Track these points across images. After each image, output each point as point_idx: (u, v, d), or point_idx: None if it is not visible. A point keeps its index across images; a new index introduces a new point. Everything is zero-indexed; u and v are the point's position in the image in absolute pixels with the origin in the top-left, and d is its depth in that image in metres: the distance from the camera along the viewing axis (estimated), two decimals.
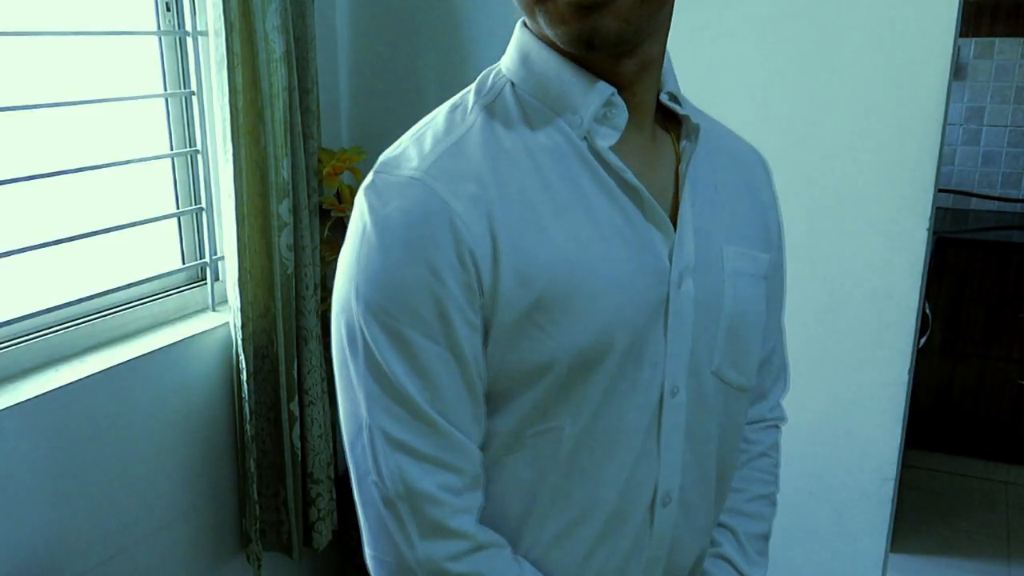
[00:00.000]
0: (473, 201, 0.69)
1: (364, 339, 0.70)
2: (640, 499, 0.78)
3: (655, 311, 0.75)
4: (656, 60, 0.75)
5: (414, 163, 0.71)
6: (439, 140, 0.73)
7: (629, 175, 0.73)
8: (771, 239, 0.88)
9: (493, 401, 0.74)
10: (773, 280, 0.90)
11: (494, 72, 0.78)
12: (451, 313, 0.69)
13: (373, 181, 0.72)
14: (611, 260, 0.72)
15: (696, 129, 0.79)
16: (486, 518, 0.75)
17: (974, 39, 3.06)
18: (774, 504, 0.97)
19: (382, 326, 0.69)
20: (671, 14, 0.75)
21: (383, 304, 0.69)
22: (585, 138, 0.73)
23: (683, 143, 0.80)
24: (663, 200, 0.77)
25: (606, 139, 0.73)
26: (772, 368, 0.98)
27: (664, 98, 0.78)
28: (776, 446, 1.00)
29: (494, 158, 0.71)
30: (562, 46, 0.70)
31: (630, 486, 0.76)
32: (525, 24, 0.76)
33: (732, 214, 0.82)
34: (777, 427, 1.01)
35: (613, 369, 0.73)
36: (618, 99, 0.73)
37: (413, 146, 0.73)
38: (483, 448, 0.74)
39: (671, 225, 0.76)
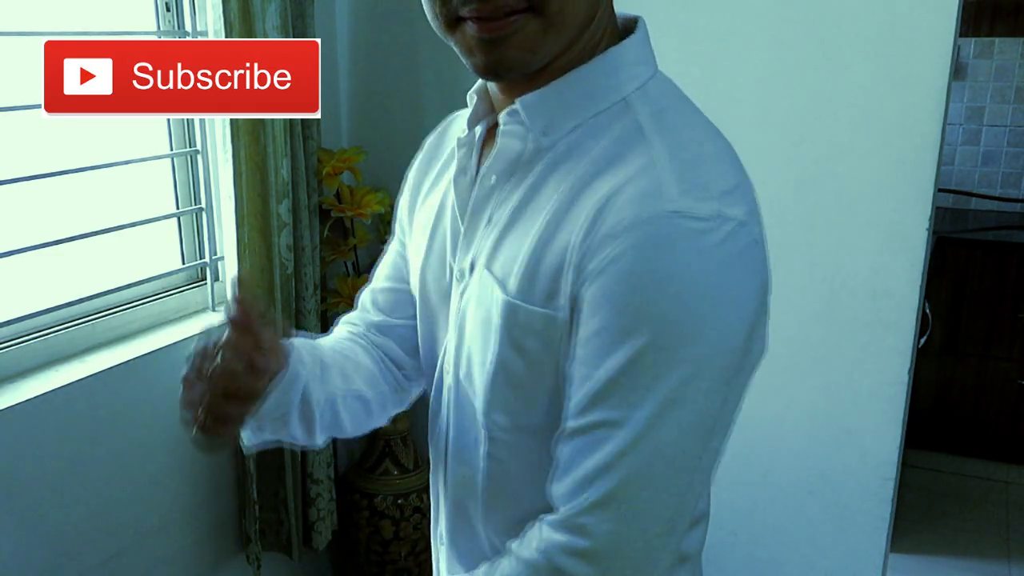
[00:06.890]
0: (419, 162, 0.93)
1: None
2: (436, 431, 0.86)
3: (445, 295, 0.82)
4: (549, 71, 0.72)
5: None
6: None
7: (458, 166, 0.79)
8: (548, 295, 0.70)
9: None
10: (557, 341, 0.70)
11: None
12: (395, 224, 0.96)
13: None
14: (422, 231, 0.85)
15: (503, 151, 0.75)
16: None
17: (974, 39, 3.06)
18: None
19: None
20: (591, 21, 0.72)
21: None
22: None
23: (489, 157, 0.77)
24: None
25: (463, 131, 0.79)
26: (560, 461, 0.69)
27: (503, 117, 0.74)
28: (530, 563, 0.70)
29: (451, 138, 0.87)
30: (474, 73, 0.72)
31: (431, 403, 0.88)
32: None
33: (512, 240, 0.73)
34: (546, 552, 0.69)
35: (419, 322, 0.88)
36: (475, 95, 0.79)
37: None
38: None
39: (461, 225, 0.79)
